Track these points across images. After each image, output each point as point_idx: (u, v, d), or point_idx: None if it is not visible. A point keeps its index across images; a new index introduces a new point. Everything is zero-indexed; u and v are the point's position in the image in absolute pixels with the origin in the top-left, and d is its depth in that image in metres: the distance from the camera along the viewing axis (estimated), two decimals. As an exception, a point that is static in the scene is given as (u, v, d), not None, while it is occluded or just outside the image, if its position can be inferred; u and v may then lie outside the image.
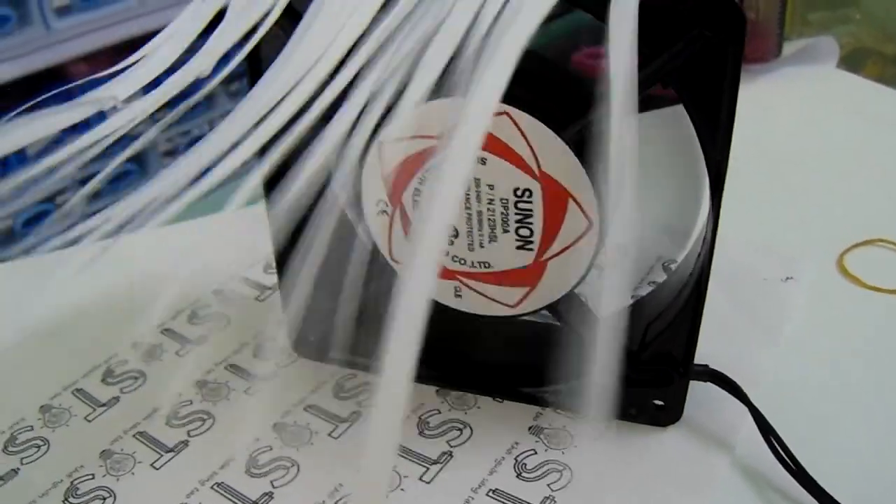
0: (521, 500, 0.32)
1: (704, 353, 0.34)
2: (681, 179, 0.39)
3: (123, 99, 0.26)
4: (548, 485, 0.32)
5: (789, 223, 0.48)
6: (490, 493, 0.32)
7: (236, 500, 0.33)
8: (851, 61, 0.91)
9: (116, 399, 0.39)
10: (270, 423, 0.36)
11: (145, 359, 0.41)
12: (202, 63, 0.27)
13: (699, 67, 0.26)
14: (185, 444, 0.36)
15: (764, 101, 0.63)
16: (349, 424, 0.36)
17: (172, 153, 1.33)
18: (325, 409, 0.37)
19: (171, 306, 0.44)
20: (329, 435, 0.35)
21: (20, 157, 0.42)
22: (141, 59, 0.28)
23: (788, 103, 0.63)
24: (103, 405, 0.38)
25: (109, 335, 0.42)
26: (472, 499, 0.32)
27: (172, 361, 0.41)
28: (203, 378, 0.39)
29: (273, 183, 0.30)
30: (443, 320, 0.37)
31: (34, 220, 1.13)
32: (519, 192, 0.30)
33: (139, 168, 1.22)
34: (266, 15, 0.27)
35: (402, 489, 0.33)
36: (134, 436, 0.36)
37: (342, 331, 0.37)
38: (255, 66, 0.30)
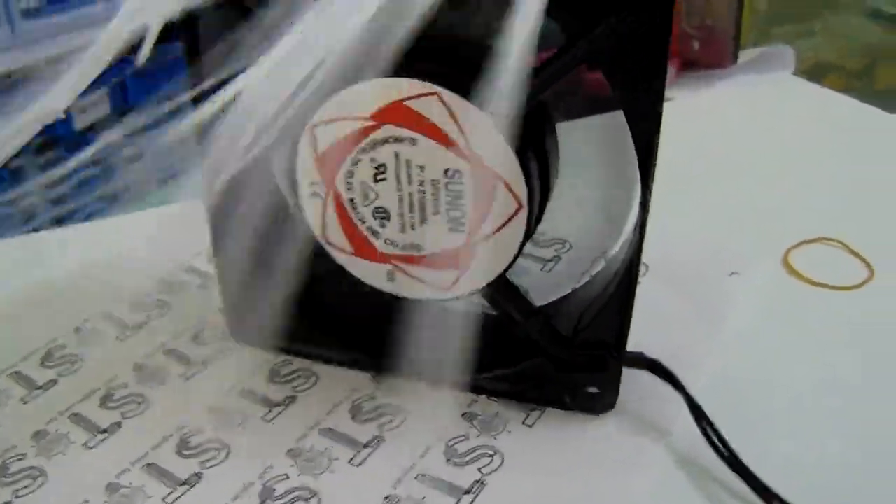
0: (450, 483, 0.32)
1: (645, 346, 0.34)
2: (617, 173, 0.40)
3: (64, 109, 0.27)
4: (478, 469, 0.32)
5: (737, 222, 0.49)
6: (419, 477, 0.32)
7: (165, 480, 0.33)
8: (813, 74, 0.92)
9: (54, 382, 0.38)
10: (204, 407, 0.36)
11: (83, 343, 0.40)
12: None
13: (627, 49, 0.27)
14: (119, 425, 0.35)
15: (719, 105, 0.64)
16: (283, 408, 0.36)
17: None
18: (259, 393, 0.36)
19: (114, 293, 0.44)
20: (262, 418, 0.35)
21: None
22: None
23: (743, 108, 0.64)
24: (39, 388, 0.38)
25: (52, 321, 0.42)
26: (401, 482, 0.32)
27: (113, 346, 0.40)
28: (141, 362, 0.39)
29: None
30: (378, 304, 0.37)
31: None
32: (449, 173, 0.30)
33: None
34: None
35: (330, 472, 0.32)
36: (68, 417, 0.36)
37: (277, 315, 0.37)
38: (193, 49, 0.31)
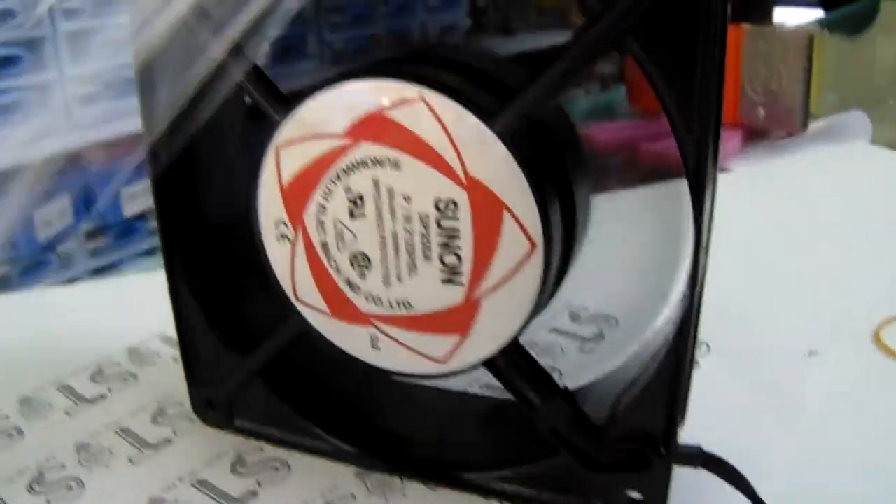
0: None
1: (703, 440, 0.26)
2: (672, 243, 0.33)
3: None
4: None
5: (816, 297, 0.41)
6: None
7: None
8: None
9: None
10: (146, 497, 0.29)
11: (25, 417, 0.34)
12: None
13: (665, 23, 0.20)
14: (42, 516, 0.29)
15: (790, 174, 0.57)
16: (239, 506, 0.28)
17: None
18: (216, 485, 0.29)
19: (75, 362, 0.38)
20: (213, 518, 0.28)
21: None
22: None
23: (818, 177, 0.57)
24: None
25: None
26: None
27: (59, 420, 0.34)
28: (87, 441, 0.32)
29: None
30: (362, 381, 0.30)
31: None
32: (442, 205, 0.23)
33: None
34: None
35: None
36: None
37: (246, 390, 0.30)
38: None
